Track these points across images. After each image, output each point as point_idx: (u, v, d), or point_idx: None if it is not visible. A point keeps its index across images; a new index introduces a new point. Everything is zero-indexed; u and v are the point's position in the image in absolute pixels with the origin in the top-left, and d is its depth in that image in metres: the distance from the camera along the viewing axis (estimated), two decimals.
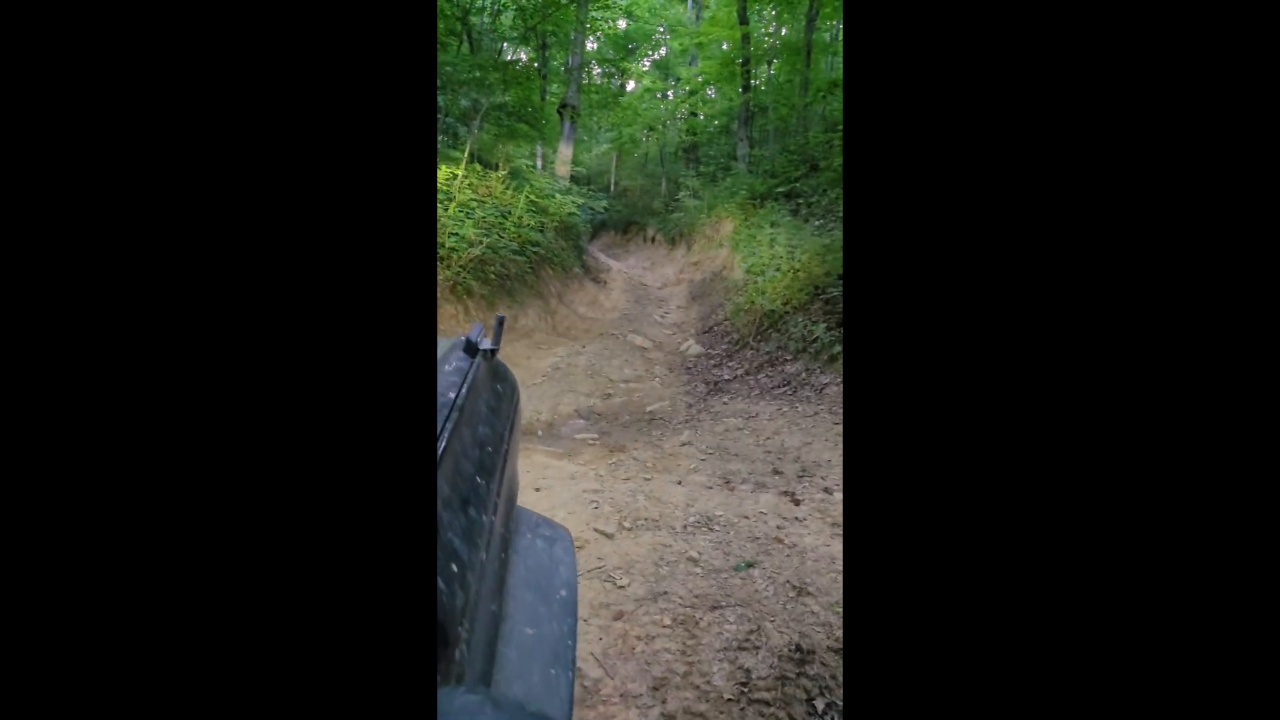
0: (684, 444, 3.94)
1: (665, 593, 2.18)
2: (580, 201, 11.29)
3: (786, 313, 6.01)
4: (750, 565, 2.37)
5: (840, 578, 2.27)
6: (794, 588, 2.22)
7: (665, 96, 17.96)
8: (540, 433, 4.33)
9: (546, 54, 12.82)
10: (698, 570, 2.35)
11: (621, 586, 2.22)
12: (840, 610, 2.06)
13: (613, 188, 17.45)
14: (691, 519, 2.80)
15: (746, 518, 2.83)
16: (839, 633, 1.96)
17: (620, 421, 4.59)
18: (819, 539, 2.62)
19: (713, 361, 6.41)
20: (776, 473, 3.41)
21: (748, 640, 1.91)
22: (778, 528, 2.72)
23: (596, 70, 15.53)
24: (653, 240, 14.94)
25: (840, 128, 10.38)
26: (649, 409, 4.83)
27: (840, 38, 14.74)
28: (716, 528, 2.72)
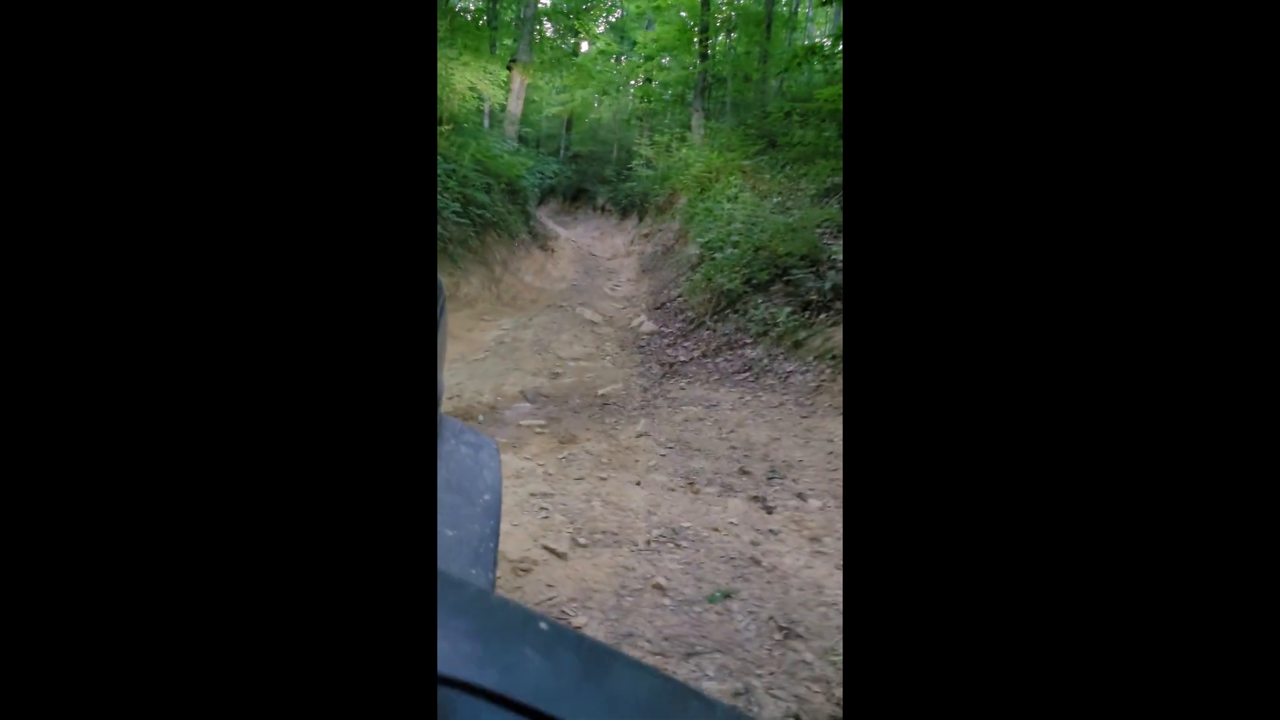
0: (641, 435, 3.57)
1: (630, 634, 1.81)
2: (530, 164, 10.70)
3: (745, 293, 5.67)
4: (727, 596, 2.02)
5: (830, 614, 1.95)
6: (780, 628, 1.88)
7: (620, 60, 17.28)
8: (482, 417, 3.89)
9: (497, 5, 12.03)
10: (666, 602, 1.98)
11: (578, 626, 1.84)
12: (836, 660, 1.73)
13: (563, 152, 16.76)
14: (655, 532, 2.43)
15: (716, 530, 2.48)
16: (838, 692, 1.63)
17: (570, 405, 4.18)
18: (798, 559, 2.29)
19: (667, 340, 6.04)
20: (744, 473, 3.07)
21: (734, 707, 1.56)
22: (752, 544, 2.38)
23: (549, 28, 14.74)
24: (603, 209, 14.42)
25: (799, 103, 10.04)
26: (601, 392, 4.43)
27: (801, 11, 14.36)
28: (684, 543, 2.36)
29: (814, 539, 2.43)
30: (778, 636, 1.84)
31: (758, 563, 2.24)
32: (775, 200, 7.66)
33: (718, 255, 6.42)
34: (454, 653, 0.30)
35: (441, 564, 0.73)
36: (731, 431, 3.59)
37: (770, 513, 2.67)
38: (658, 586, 2.05)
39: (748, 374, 4.55)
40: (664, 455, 3.28)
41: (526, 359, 5.14)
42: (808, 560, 2.27)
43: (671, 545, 2.34)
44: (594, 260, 10.75)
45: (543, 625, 0.34)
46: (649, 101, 15.42)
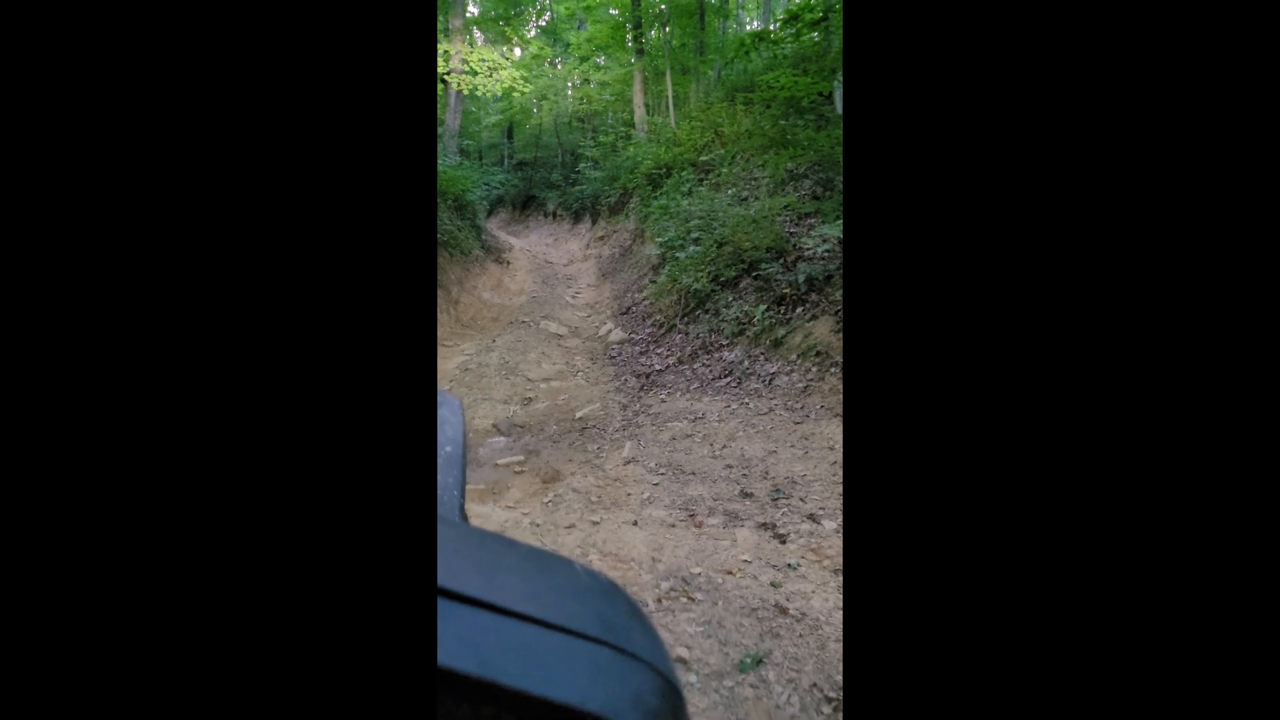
0: (628, 461, 3.28)
1: None
2: (475, 177, 10.30)
3: (714, 291, 5.40)
4: (758, 661, 1.74)
5: None
6: (826, 697, 1.61)
7: (555, 64, 16.85)
8: None
9: None
10: (692, 679, 1.70)
11: None
12: None
13: (506, 161, 16.31)
14: (664, 584, 2.14)
15: (730, 573, 2.20)
16: None
17: (548, 434, 3.87)
18: (826, 598, 2.03)
19: (638, 348, 5.75)
20: (746, 495, 2.80)
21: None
22: (773, 585, 2.11)
23: (480, 37, 14.26)
24: (554, 215, 14.03)
25: (740, 93, 9.80)
26: (579, 415, 4.12)
27: (731, 0, 14.13)
28: (698, 595, 2.07)
29: (838, 570, 2.17)
30: (826, 710, 1.57)
31: (784, 611, 1.96)
32: (730, 192, 7.41)
33: (680, 255, 6.14)
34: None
35: None
36: (724, 447, 3.32)
37: (784, 542, 2.40)
38: (680, 660, 1.77)
39: (729, 379, 4.28)
40: (657, 485, 2.99)
41: (495, 385, 4.80)
42: (837, 599, 2.01)
43: (685, 600, 2.05)
44: (551, 268, 10.40)
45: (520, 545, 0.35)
46: (589, 103, 15.05)
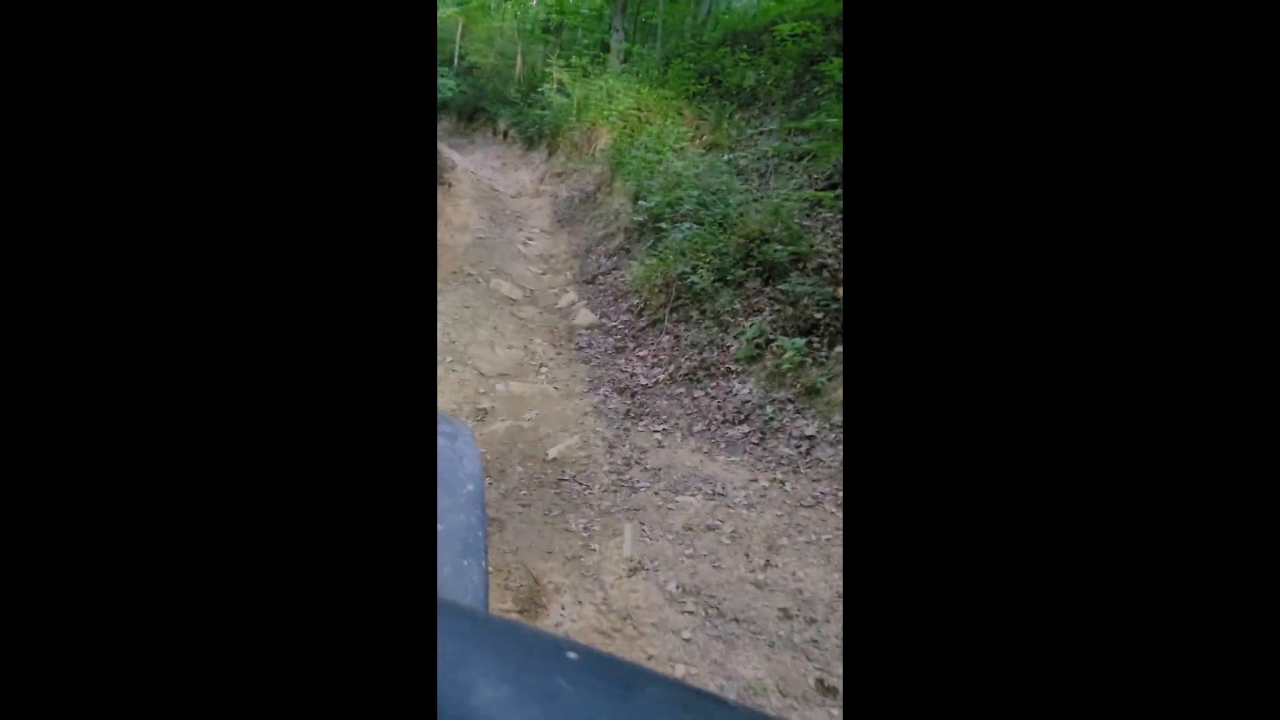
0: (633, 570, 2.30)
1: None
2: None
3: (716, 289, 4.39)
4: None
5: None
6: None
7: None
8: None
9: None
10: None
11: None
12: None
13: (456, 63, 14.32)
14: None
15: None
16: None
17: (513, 487, 2.82)
18: None
19: (613, 340, 4.70)
20: (827, 690, 1.89)
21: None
22: None
23: None
24: (504, 135, 12.40)
25: (742, 34, 8.54)
26: (552, 455, 3.08)
27: None
28: None
29: None
30: None
31: None
32: (727, 157, 6.30)
33: (672, 232, 5.05)
34: (494, 695, 0.30)
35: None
36: (766, 564, 2.39)
37: None
38: None
39: (748, 429, 3.33)
40: (688, 638, 2.03)
41: (439, 380, 3.66)
42: None
43: None
44: (499, 200, 9.01)
45: (571, 655, 0.34)
46: (561, 13, 13.26)
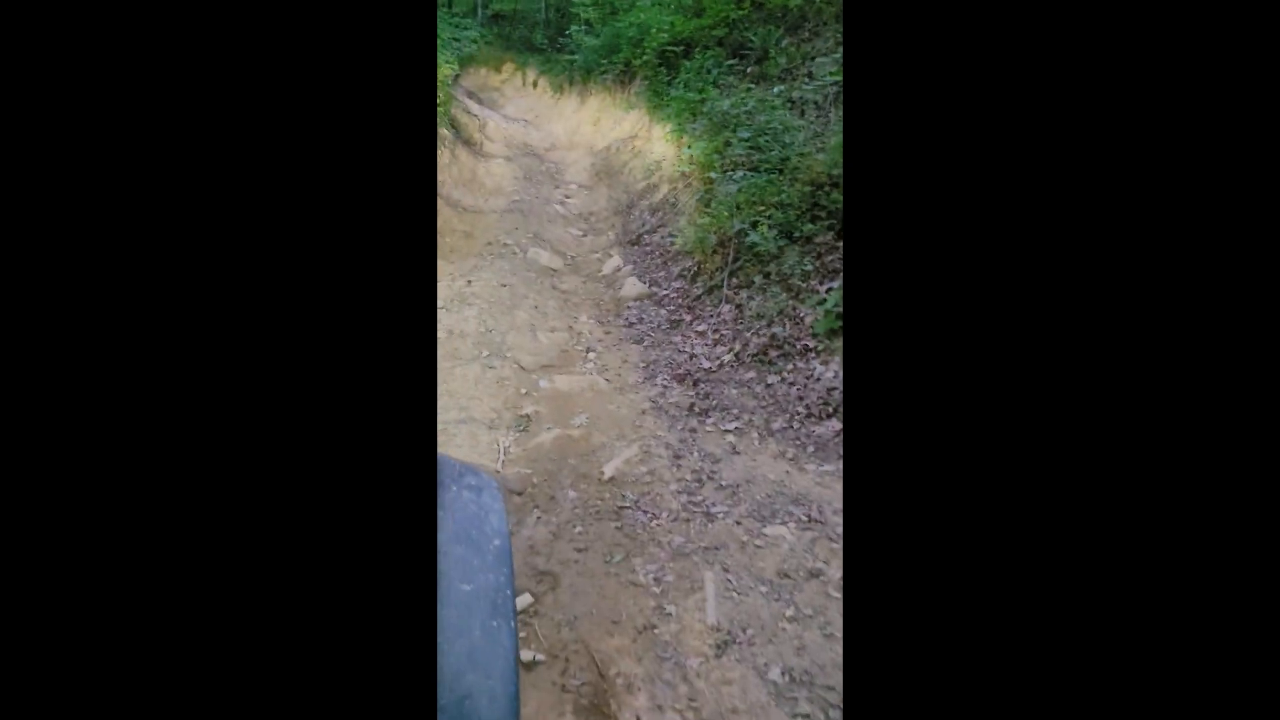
0: (720, 642, 1.80)
1: None
2: (442, 36, 8.00)
3: (781, 250, 3.75)
4: None
5: None
6: None
7: None
8: None
9: None
10: None
11: None
12: None
13: (480, 13, 13.47)
14: None
15: None
16: None
17: (565, 516, 2.34)
18: None
19: (666, 311, 4.12)
20: None
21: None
22: None
23: None
24: (534, 84, 11.65)
25: None
26: (608, 473, 2.57)
27: None
28: None
29: None
30: None
31: None
32: (778, 89, 5.51)
33: (726, 184, 4.38)
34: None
35: (462, 622, 0.72)
36: None
37: None
38: None
39: (840, 425, 2.74)
40: None
41: (474, 384, 3.18)
42: None
43: None
44: (533, 157, 8.37)
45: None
46: None
